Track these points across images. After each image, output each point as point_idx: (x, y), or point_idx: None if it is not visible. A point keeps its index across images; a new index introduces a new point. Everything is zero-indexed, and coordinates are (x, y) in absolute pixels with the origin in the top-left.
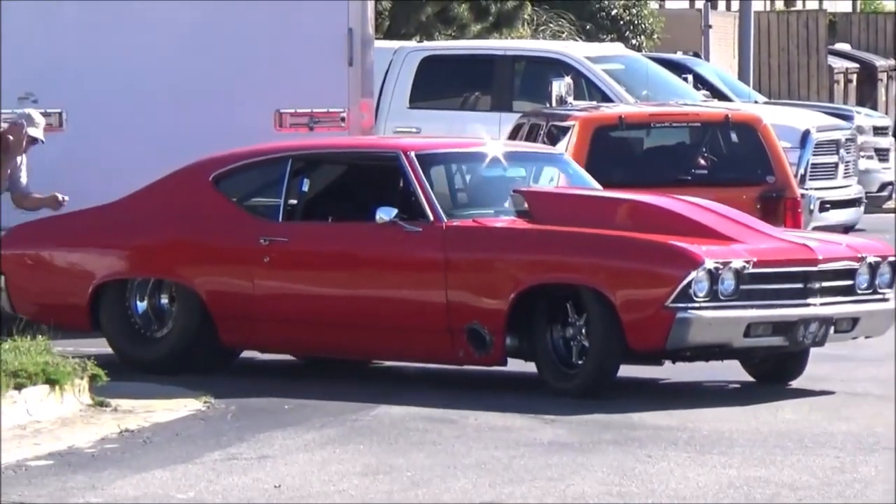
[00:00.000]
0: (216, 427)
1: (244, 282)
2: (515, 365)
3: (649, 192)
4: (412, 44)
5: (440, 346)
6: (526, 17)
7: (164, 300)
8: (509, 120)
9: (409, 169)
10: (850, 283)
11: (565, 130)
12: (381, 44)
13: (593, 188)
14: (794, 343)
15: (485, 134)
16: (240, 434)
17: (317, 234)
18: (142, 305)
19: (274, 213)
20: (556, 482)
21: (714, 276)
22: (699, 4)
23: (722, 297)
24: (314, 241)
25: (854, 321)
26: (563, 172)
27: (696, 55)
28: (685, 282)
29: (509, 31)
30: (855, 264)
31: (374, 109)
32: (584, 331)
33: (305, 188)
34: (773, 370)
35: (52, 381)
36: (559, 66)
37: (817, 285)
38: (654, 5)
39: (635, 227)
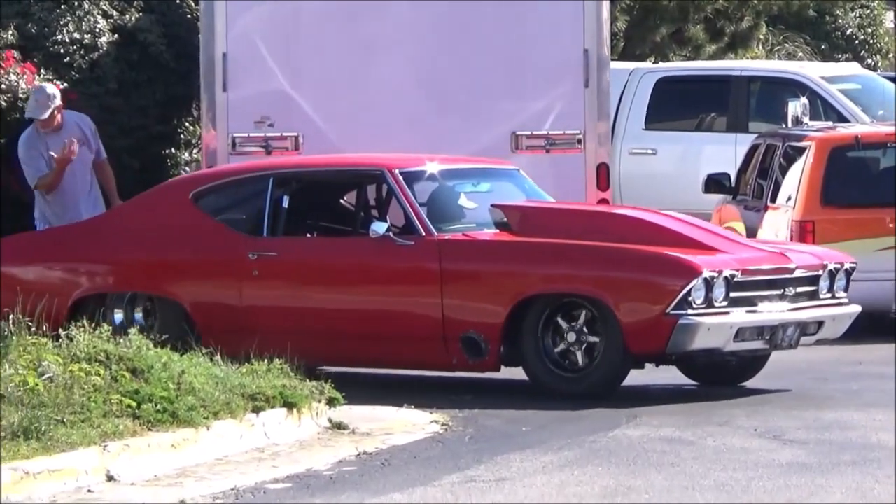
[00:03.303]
0: (454, 449)
1: (231, 293)
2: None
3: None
4: (647, 65)
5: (434, 354)
6: (761, 37)
7: (139, 313)
8: (745, 141)
9: (397, 186)
10: (815, 288)
11: (801, 151)
12: (616, 65)
13: (559, 201)
14: (773, 346)
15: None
16: (477, 456)
17: (306, 247)
18: (119, 318)
19: (257, 229)
20: None
21: (709, 285)
22: None
23: (715, 304)
24: (304, 254)
25: (819, 324)
26: (518, 187)
27: None
28: (686, 290)
29: (744, 51)
30: (819, 271)
31: (610, 131)
32: (582, 337)
33: (288, 205)
34: (724, 374)
35: (289, 404)
36: (795, 87)
37: (792, 291)
38: (889, 24)
39: (617, 239)
